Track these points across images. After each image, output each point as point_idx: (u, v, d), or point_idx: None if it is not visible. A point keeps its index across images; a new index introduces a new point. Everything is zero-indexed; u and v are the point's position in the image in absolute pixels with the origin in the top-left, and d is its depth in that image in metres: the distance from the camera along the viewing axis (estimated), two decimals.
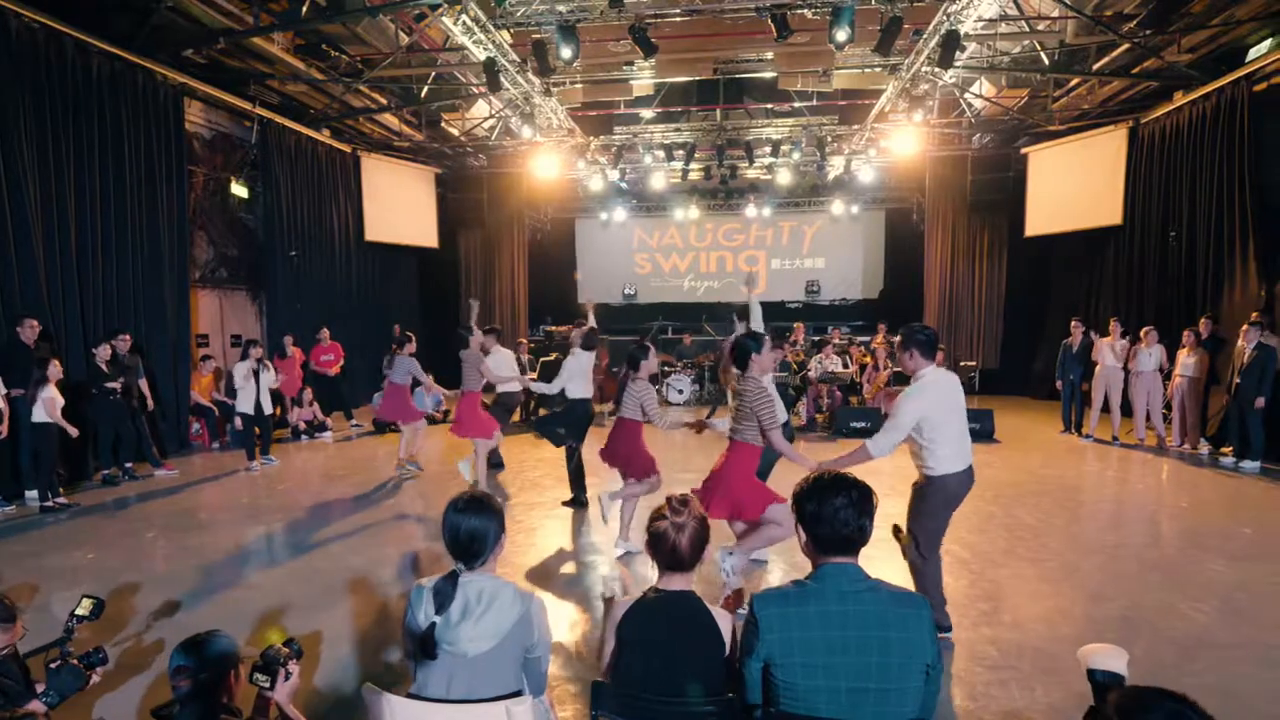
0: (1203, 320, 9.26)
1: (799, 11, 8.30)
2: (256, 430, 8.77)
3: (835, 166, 14.74)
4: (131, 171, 8.56)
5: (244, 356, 8.78)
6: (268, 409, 8.74)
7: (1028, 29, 9.80)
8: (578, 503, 6.81)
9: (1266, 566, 5.22)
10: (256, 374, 8.56)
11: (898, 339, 4.02)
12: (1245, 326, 8.15)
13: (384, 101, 12.30)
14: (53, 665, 2.37)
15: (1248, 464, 8.05)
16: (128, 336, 8.16)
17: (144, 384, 8.34)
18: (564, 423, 6.92)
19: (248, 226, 11.51)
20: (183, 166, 9.41)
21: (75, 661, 2.39)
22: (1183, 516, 6.60)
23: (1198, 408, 9.06)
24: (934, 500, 3.92)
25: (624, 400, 5.63)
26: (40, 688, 2.42)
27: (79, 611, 2.55)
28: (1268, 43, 9.09)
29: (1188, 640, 4.00)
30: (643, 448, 5.62)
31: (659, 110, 14.01)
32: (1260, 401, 7.92)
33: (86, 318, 8.00)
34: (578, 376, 6.77)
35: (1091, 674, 1.85)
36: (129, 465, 7.95)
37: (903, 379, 11.47)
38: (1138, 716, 1.41)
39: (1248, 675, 3.61)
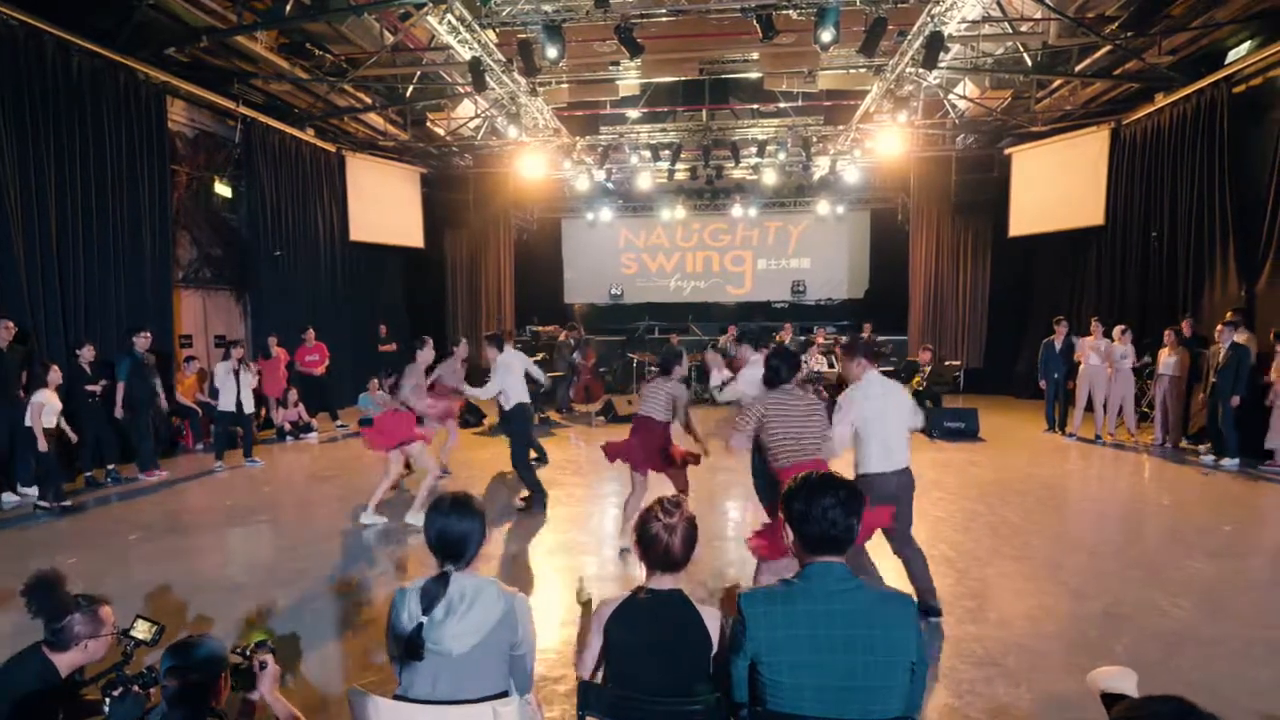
0: (1185, 320, 9.38)
1: (784, 12, 8.34)
2: (239, 430, 8.83)
3: (821, 167, 14.81)
4: (113, 171, 8.46)
5: (225, 356, 8.73)
6: (248, 408, 8.73)
7: (1011, 30, 9.89)
8: (539, 503, 6.74)
9: (1245, 562, 5.30)
10: (237, 374, 8.57)
11: (841, 350, 4.26)
12: (1220, 326, 8.27)
13: (369, 101, 12.23)
14: (115, 694, 2.32)
15: (1227, 461, 8.16)
16: (148, 334, 8.07)
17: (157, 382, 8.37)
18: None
19: (232, 226, 11.41)
20: (165, 166, 9.32)
21: (136, 688, 2.35)
22: (1164, 514, 6.68)
23: (1179, 406, 9.17)
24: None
25: (648, 399, 5.57)
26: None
27: (137, 635, 2.48)
28: (1247, 45, 9.22)
29: (1170, 636, 4.05)
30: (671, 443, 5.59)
31: (645, 110, 14.01)
32: (1236, 400, 8.03)
33: (67, 318, 7.91)
34: (509, 380, 6.71)
35: (1104, 698, 1.85)
36: (112, 467, 7.87)
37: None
38: (1138, 718, 1.43)
39: (1229, 670, 3.65)
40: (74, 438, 7.24)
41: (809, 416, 4.04)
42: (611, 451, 5.71)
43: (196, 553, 5.72)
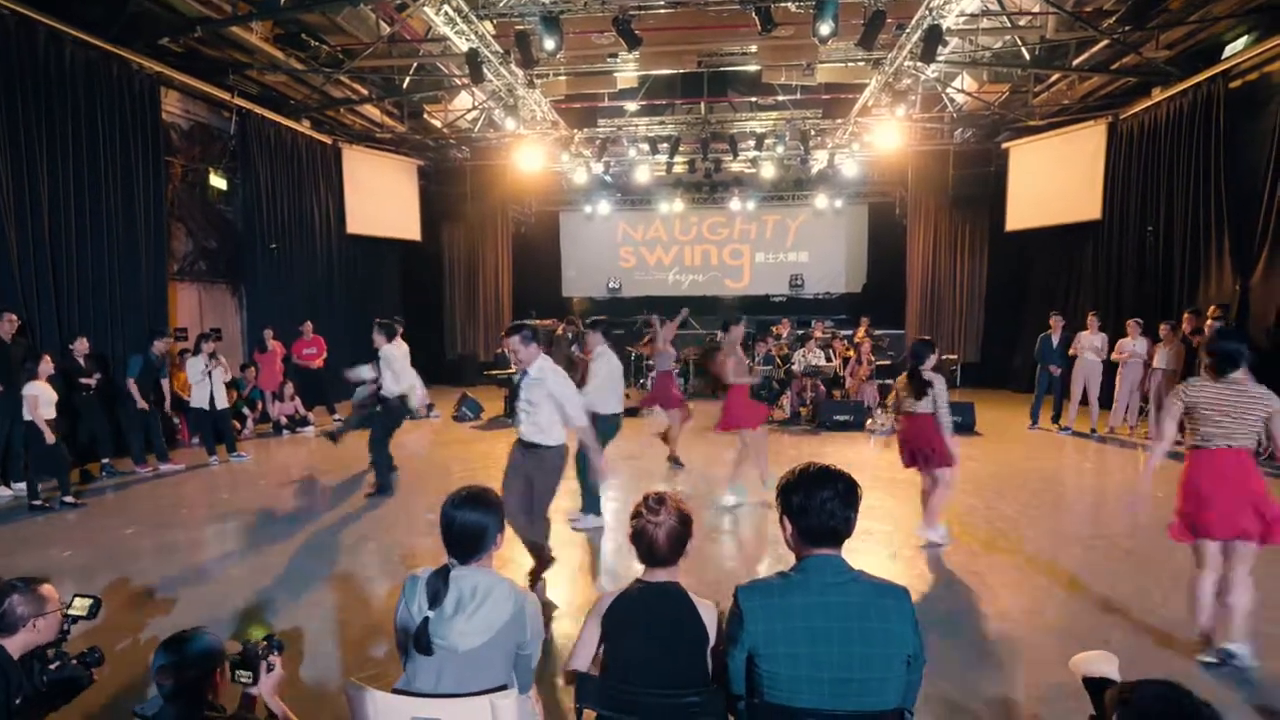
0: (1187, 315, 9.33)
1: (783, 4, 8.31)
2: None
3: (819, 160, 14.76)
4: (107, 162, 8.42)
5: (196, 351, 8.62)
6: (221, 403, 8.63)
7: (1009, 24, 9.86)
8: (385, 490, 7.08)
9: None
10: (209, 369, 8.47)
11: (516, 337, 4.37)
12: (1209, 322, 8.29)
13: (365, 92, 12.17)
14: (53, 667, 2.32)
15: None
16: (169, 339, 8.30)
17: (165, 383, 8.49)
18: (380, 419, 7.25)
19: (227, 218, 11.36)
20: (159, 157, 9.28)
21: (75, 662, 2.34)
22: (1157, 507, 6.65)
23: None
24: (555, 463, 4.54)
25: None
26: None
27: (73, 611, 2.48)
28: (1243, 40, 9.22)
29: (1163, 628, 4.07)
30: (943, 440, 5.43)
31: (643, 103, 13.97)
32: None
33: (61, 311, 7.89)
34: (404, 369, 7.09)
35: (1086, 682, 1.88)
36: (107, 461, 7.85)
37: (886, 373, 11.56)
38: (1131, 699, 1.53)
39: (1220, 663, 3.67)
40: (50, 437, 6.81)
41: (1244, 409, 3.65)
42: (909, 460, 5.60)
43: (193, 546, 5.71)
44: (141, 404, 7.87)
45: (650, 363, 12.63)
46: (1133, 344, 9.41)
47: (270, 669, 2.23)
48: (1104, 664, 1.93)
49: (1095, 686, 1.85)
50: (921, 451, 5.40)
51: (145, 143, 9.00)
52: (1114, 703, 1.57)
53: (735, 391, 6.78)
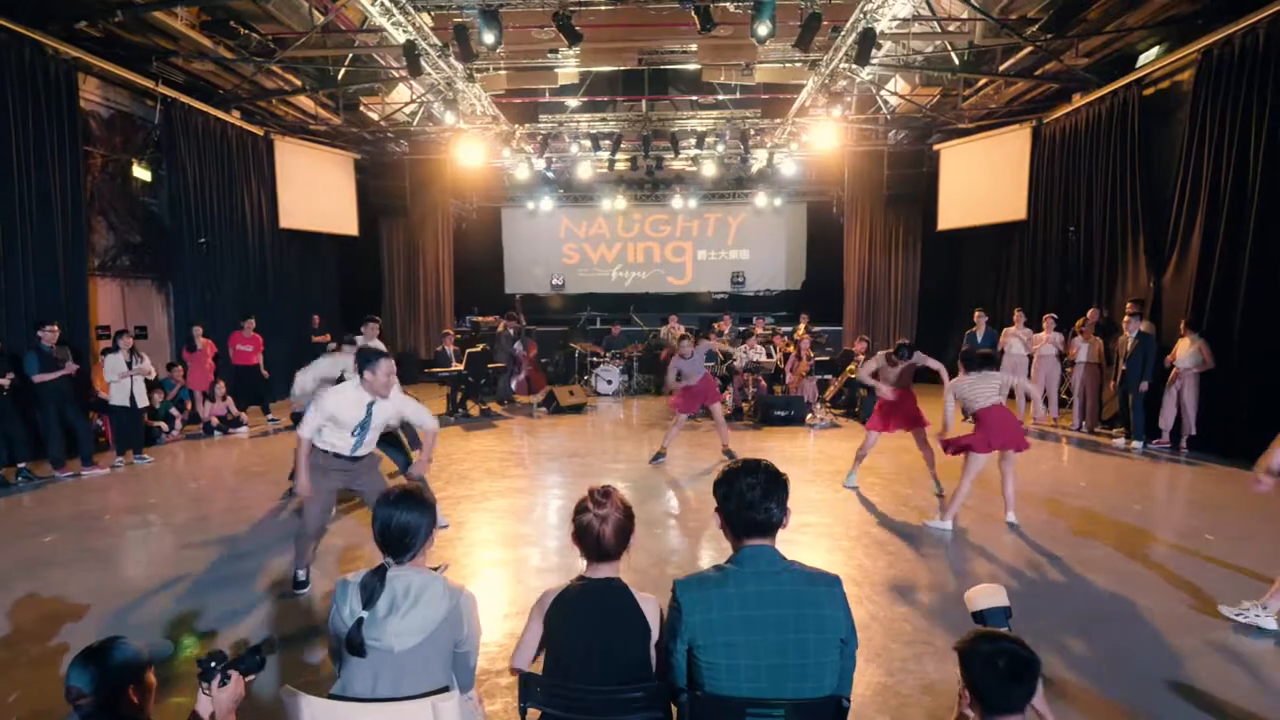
0: (1092, 310, 9.87)
1: (721, 4, 8.41)
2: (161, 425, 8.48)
3: (758, 159, 15.00)
4: (19, 152, 7.98)
5: (114, 348, 8.24)
6: (141, 401, 8.34)
7: (939, 30, 10.20)
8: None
9: (1154, 539, 5.65)
10: (129, 365, 8.12)
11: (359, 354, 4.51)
12: (1126, 318, 8.76)
13: (298, 83, 11.82)
14: None
15: (1138, 445, 8.65)
16: (55, 327, 7.65)
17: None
18: None
19: (152, 211, 10.88)
20: (77, 147, 8.83)
21: None
22: (1080, 496, 7.04)
23: (1096, 392, 9.67)
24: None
25: (983, 388, 5.82)
26: None
27: None
28: (1155, 50, 9.74)
29: (1086, 612, 4.28)
30: (1017, 423, 5.87)
31: (584, 99, 13.95)
32: (1143, 386, 8.53)
33: None
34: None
35: (976, 615, 2.07)
36: (23, 465, 7.45)
37: (825, 368, 11.82)
38: (970, 650, 1.82)
39: (1142, 642, 3.84)
40: None
41: None
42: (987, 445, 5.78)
43: (117, 554, 5.48)
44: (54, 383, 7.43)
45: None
46: (1047, 338, 9.89)
47: (224, 683, 2.05)
48: (994, 596, 2.08)
49: (986, 618, 2.08)
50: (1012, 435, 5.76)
51: (61, 132, 8.55)
52: (957, 648, 1.84)
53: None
